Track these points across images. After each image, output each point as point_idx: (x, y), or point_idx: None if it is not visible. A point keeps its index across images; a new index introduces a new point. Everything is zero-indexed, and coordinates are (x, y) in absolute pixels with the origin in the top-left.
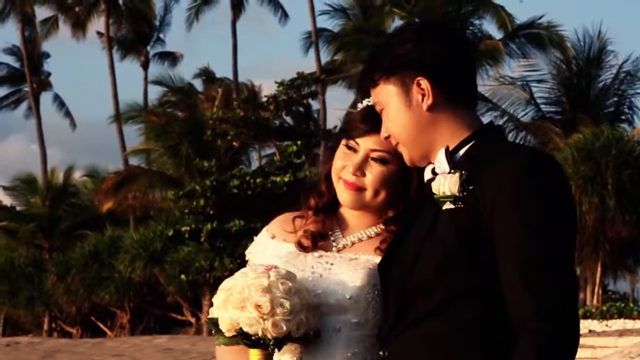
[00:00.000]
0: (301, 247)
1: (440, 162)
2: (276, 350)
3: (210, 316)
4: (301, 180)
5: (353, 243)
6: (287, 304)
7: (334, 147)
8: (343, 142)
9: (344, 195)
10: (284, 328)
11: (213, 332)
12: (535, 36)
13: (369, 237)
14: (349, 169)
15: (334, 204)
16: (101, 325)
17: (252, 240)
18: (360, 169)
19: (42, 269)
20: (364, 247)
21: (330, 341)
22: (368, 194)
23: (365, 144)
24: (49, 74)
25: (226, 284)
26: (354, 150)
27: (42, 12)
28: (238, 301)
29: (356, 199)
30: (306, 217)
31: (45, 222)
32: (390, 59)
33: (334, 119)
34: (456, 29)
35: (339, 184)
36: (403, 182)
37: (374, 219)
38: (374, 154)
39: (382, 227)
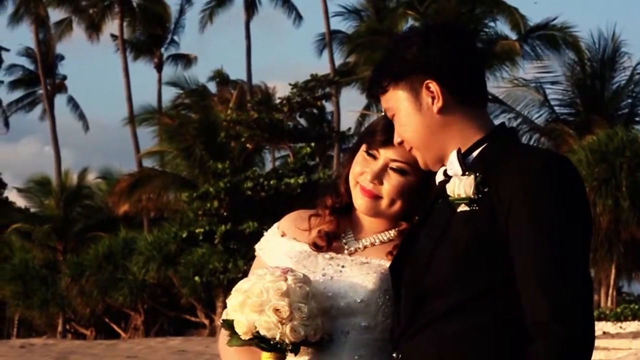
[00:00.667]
0: (316, 247)
1: (453, 164)
2: (293, 355)
3: (225, 317)
4: (315, 182)
5: (365, 247)
6: (304, 309)
7: (354, 150)
8: (363, 147)
9: (359, 200)
10: (302, 333)
11: (227, 334)
12: (549, 37)
13: (382, 242)
14: (367, 176)
15: (350, 206)
16: (115, 327)
17: None
18: (379, 178)
19: (56, 270)
20: (376, 251)
21: (337, 344)
22: (384, 203)
23: (386, 153)
24: (64, 77)
25: (242, 285)
26: (374, 157)
27: (56, 15)
28: (256, 304)
29: (371, 206)
30: (322, 216)
31: (59, 223)
32: (397, 64)
33: (347, 121)
34: (462, 30)
35: (356, 189)
36: (419, 193)
37: (388, 224)
38: (394, 164)
39: (396, 233)
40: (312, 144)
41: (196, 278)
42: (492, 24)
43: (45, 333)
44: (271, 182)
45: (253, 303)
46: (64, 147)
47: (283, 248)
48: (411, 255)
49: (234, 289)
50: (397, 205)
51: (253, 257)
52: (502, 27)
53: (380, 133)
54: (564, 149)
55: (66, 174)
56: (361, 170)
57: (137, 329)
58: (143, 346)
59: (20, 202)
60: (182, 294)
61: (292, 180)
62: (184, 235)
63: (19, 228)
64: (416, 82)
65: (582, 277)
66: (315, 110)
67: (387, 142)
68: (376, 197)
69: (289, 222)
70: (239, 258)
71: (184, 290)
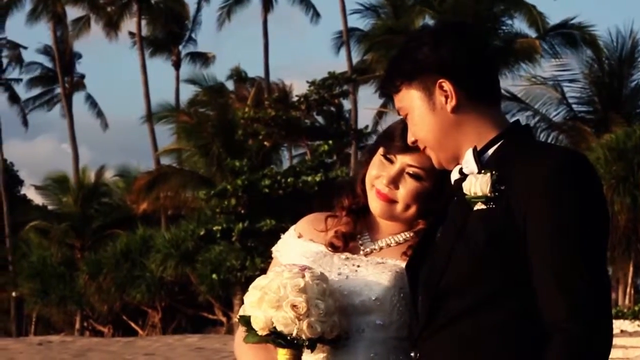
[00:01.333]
0: (332, 248)
1: (468, 162)
2: (309, 351)
3: (242, 314)
4: (332, 180)
5: (381, 248)
6: (321, 305)
7: (372, 152)
8: (381, 151)
9: (374, 203)
10: (319, 329)
11: (244, 330)
12: (567, 36)
13: (398, 244)
14: (383, 180)
15: (367, 207)
16: (133, 325)
17: None
18: (394, 182)
19: (74, 268)
20: (392, 252)
21: (353, 342)
22: (399, 207)
23: (403, 158)
24: (82, 76)
25: (260, 282)
26: (391, 161)
27: (75, 12)
28: (274, 300)
29: (386, 210)
30: (339, 216)
31: (77, 221)
32: (410, 64)
33: (365, 119)
34: (473, 28)
35: (372, 192)
36: (434, 198)
37: (404, 226)
38: (410, 170)
39: (412, 234)
40: (330, 142)
41: (214, 275)
42: (509, 21)
43: (63, 330)
44: (289, 179)
45: (271, 299)
46: (81, 144)
47: (299, 249)
48: (428, 255)
49: (251, 286)
50: (412, 209)
51: (271, 255)
52: (520, 25)
53: (398, 139)
54: (582, 146)
55: (84, 171)
56: (377, 174)
57: (155, 327)
58: (161, 343)
59: (37, 199)
60: (200, 291)
61: (310, 178)
62: (202, 233)
63: (37, 225)
64: (429, 82)
65: (599, 275)
66: (332, 108)
67: (405, 148)
68: (391, 201)
69: (305, 223)
70: (257, 256)
71: (202, 288)
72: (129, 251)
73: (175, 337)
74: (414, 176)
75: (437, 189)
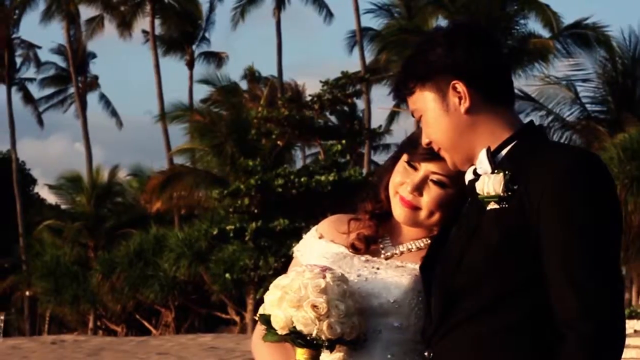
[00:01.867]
0: (354, 249)
1: (482, 162)
2: (328, 351)
3: (262, 312)
4: (345, 180)
5: (402, 252)
6: (342, 306)
7: (395, 158)
8: (405, 157)
9: (398, 210)
10: (339, 330)
11: (263, 329)
12: (581, 36)
13: (418, 249)
14: (407, 187)
15: (389, 212)
16: (146, 324)
17: (296, 239)
18: (418, 189)
19: (88, 267)
20: (412, 256)
21: (369, 342)
22: (422, 214)
23: (427, 165)
24: (96, 77)
25: (280, 281)
26: (415, 168)
27: (88, 12)
28: (294, 300)
29: (410, 217)
30: (362, 219)
31: (90, 220)
32: (423, 66)
33: (378, 118)
34: (486, 29)
35: (395, 199)
36: (458, 204)
37: (425, 232)
38: (434, 177)
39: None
40: (343, 141)
41: (227, 275)
42: (523, 21)
43: (76, 329)
44: (302, 179)
45: (291, 299)
46: (94, 144)
47: (320, 249)
48: (442, 255)
49: (272, 285)
50: (436, 216)
51: (284, 255)
52: (534, 25)
53: (422, 147)
54: (595, 146)
55: (97, 171)
56: (401, 181)
57: (168, 326)
58: (174, 343)
59: (50, 198)
60: (213, 290)
61: (323, 178)
62: (215, 233)
63: (51, 225)
64: (443, 83)
65: (612, 275)
66: (345, 108)
67: (429, 157)
68: (415, 208)
69: (328, 224)
70: (270, 255)
71: (215, 287)
72: (142, 250)
73: (188, 337)
74: (437, 183)
75: (460, 196)
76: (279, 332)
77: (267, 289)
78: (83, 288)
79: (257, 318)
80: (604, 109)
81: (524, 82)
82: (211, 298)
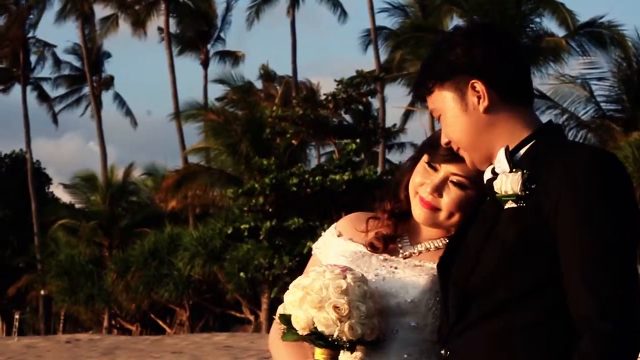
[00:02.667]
0: (372, 248)
1: (501, 161)
2: (348, 353)
3: (282, 312)
4: (360, 179)
5: (420, 252)
6: (362, 308)
7: (416, 159)
8: (425, 158)
9: (417, 211)
10: (359, 331)
11: (283, 328)
12: (595, 35)
13: (437, 248)
14: (426, 188)
15: (409, 211)
16: (160, 323)
17: (311, 238)
18: (438, 190)
19: (102, 266)
20: (430, 256)
21: (386, 342)
22: (442, 215)
23: (447, 167)
24: (112, 77)
25: (301, 281)
26: (435, 169)
27: (103, 11)
28: (316, 301)
29: (429, 217)
30: (381, 219)
31: (105, 219)
32: (442, 65)
33: (393, 117)
34: (503, 28)
35: (415, 199)
36: (478, 206)
37: (444, 232)
38: (454, 178)
39: None
40: (358, 140)
41: (241, 274)
42: (538, 20)
43: (91, 328)
44: (316, 178)
45: (313, 299)
46: (109, 143)
47: (338, 248)
48: (459, 253)
49: (292, 285)
50: (455, 217)
51: (298, 253)
52: (549, 23)
53: (443, 148)
54: (611, 145)
55: (112, 170)
56: (421, 181)
57: (183, 325)
58: (188, 342)
59: (65, 197)
60: (228, 289)
61: (338, 177)
62: (229, 231)
63: (65, 224)
64: (461, 82)
65: (629, 274)
66: (360, 107)
67: (450, 158)
68: (434, 209)
69: (347, 222)
70: (284, 254)
71: (229, 286)
72: (156, 249)
73: (202, 336)
74: (457, 184)
75: (480, 198)
76: (300, 332)
77: (281, 288)
78: (98, 287)
79: (276, 318)
80: (618, 107)
81: (539, 81)
82: (225, 297)
